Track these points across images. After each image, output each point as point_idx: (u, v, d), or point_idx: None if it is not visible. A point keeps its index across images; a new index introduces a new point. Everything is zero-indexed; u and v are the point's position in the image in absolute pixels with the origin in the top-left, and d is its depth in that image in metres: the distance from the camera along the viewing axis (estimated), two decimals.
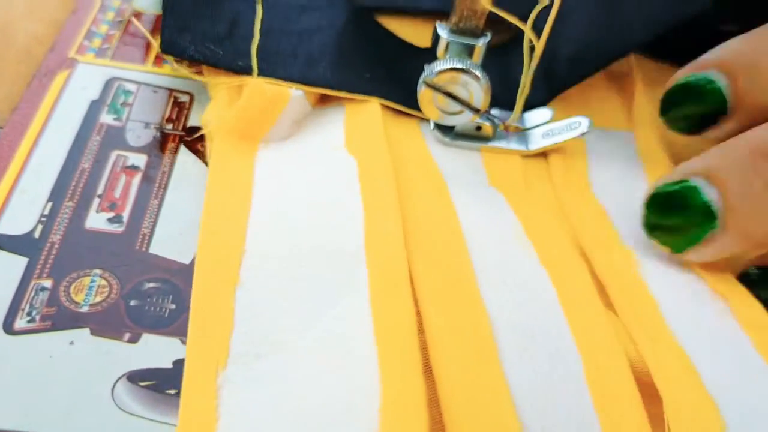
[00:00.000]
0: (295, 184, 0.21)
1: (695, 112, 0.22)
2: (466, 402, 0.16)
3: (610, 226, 0.22)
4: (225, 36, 0.23)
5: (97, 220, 0.20)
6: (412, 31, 0.27)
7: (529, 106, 0.24)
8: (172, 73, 0.25)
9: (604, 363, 0.17)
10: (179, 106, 0.24)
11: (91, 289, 0.18)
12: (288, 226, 0.20)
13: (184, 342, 0.18)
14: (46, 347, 0.17)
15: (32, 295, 0.18)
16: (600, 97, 0.27)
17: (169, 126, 0.24)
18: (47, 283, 0.18)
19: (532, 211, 0.22)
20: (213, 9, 0.24)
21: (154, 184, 0.22)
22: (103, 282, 0.19)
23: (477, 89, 0.22)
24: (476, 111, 0.23)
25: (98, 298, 0.18)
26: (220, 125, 0.22)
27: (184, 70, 0.23)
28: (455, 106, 0.23)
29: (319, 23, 0.25)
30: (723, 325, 0.19)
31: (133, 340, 0.18)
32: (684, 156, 0.21)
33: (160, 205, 0.21)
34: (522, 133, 0.25)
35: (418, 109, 0.24)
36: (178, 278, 0.19)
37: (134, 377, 0.17)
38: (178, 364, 0.17)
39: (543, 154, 0.24)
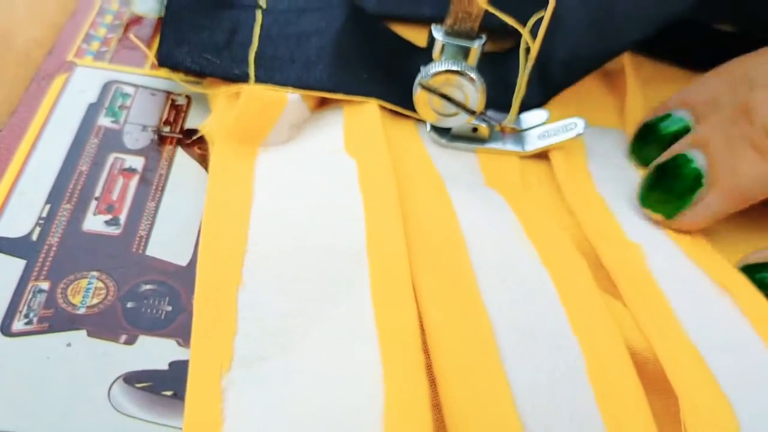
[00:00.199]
0: (296, 186, 0.21)
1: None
2: (467, 402, 0.16)
3: (614, 220, 0.22)
4: (223, 45, 0.23)
5: (94, 223, 0.20)
6: (413, 37, 0.27)
7: (525, 107, 0.24)
8: (169, 77, 0.25)
9: (606, 359, 0.17)
10: (177, 108, 0.25)
11: (88, 291, 0.19)
12: (289, 227, 0.20)
13: (180, 344, 0.18)
14: (43, 349, 0.17)
15: (30, 297, 0.18)
16: (592, 96, 0.28)
17: (167, 129, 0.24)
18: (45, 285, 0.19)
19: (531, 210, 0.22)
20: (212, 19, 0.24)
21: (151, 186, 0.22)
22: (100, 284, 0.19)
23: (472, 91, 0.22)
24: (472, 113, 0.23)
25: (95, 300, 0.18)
26: (219, 130, 0.22)
27: (177, 78, 0.23)
28: (451, 108, 0.23)
29: (318, 25, 0.25)
30: (730, 320, 0.19)
31: (130, 341, 0.18)
32: None
33: (157, 208, 0.21)
34: (518, 134, 0.25)
35: (415, 110, 0.24)
36: (174, 280, 0.19)
37: (131, 379, 0.17)
38: (175, 365, 0.17)
39: (540, 156, 0.25)
